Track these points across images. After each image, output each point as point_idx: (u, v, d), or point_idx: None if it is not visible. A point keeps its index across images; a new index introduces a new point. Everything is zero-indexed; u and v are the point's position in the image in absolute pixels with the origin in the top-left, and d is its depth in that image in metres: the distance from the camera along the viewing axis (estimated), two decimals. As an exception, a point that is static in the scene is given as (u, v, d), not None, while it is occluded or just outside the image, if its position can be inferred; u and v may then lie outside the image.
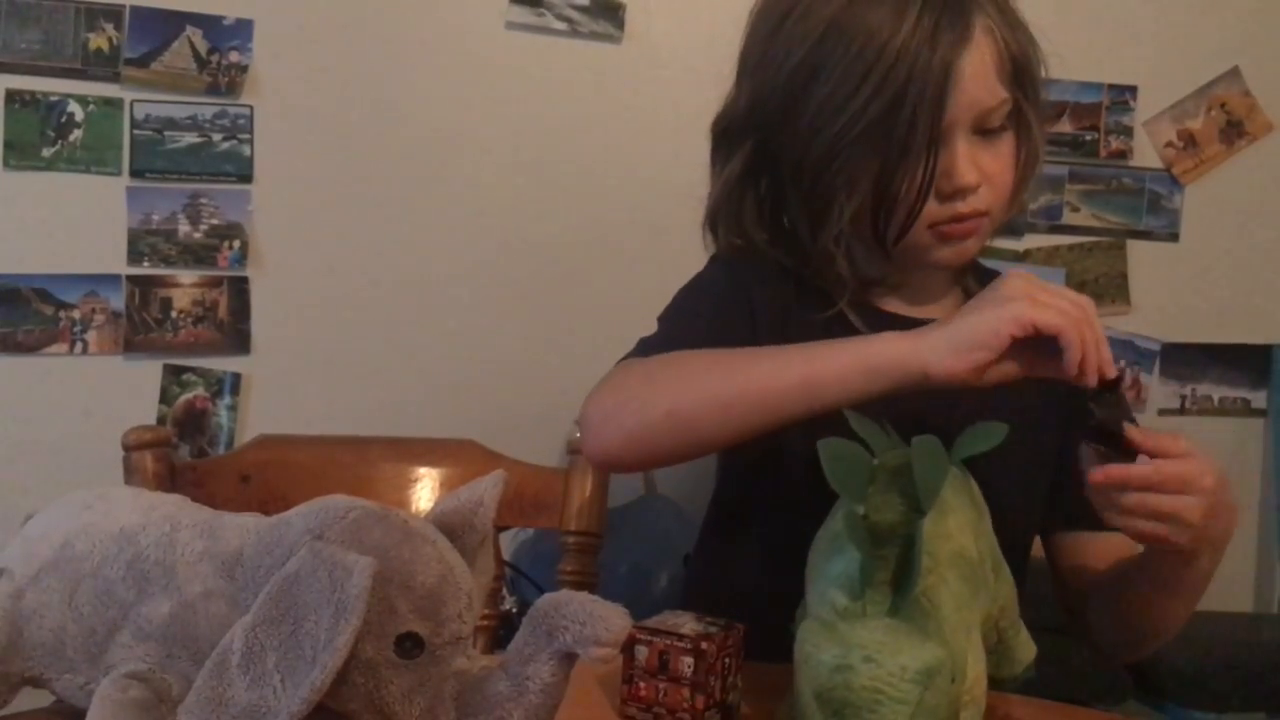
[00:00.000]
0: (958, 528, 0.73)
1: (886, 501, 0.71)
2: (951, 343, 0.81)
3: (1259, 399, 2.27)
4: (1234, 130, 2.21)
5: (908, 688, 0.63)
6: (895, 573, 0.69)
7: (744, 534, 1.10)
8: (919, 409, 0.87)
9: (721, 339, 0.95)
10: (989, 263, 1.18)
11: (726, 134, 1.05)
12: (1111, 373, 0.83)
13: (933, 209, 0.96)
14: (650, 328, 1.09)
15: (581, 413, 0.94)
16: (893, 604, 0.68)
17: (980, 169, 0.96)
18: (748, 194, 1.05)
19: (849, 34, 0.92)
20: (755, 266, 1.06)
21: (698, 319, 1.04)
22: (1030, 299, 0.81)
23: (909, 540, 0.68)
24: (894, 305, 1.07)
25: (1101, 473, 0.81)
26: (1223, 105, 2.21)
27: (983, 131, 0.96)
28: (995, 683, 0.79)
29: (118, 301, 1.89)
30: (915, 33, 0.90)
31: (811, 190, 0.98)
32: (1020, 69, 0.97)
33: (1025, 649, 0.83)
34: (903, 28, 0.90)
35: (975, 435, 0.75)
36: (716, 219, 1.08)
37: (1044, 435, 1.06)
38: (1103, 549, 1.06)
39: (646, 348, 1.01)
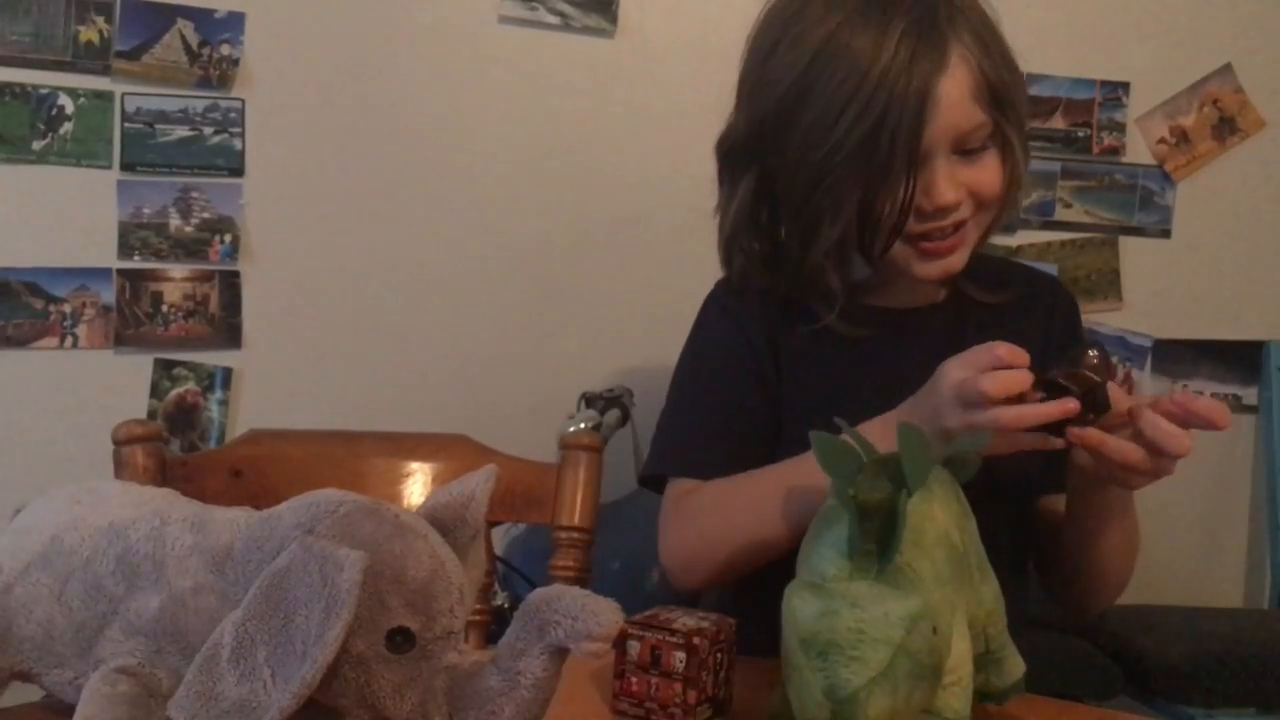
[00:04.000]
0: (943, 514, 0.75)
1: (875, 484, 0.73)
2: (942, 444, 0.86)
3: (1250, 395, 2.27)
4: (1226, 127, 2.22)
5: (890, 630, 0.65)
6: (881, 544, 0.71)
7: None
8: (887, 402, 0.94)
9: (734, 398, 1.07)
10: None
11: (730, 157, 1.09)
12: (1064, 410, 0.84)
13: (914, 225, 0.99)
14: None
15: (663, 551, 1.06)
16: (878, 570, 0.70)
17: (962, 184, 0.99)
18: (754, 218, 1.08)
19: (834, 62, 0.95)
20: (744, 299, 1.09)
21: (709, 396, 1.10)
22: (965, 429, 0.84)
23: (894, 517, 0.71)
24: (882, 299, 1.10)
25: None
26: (1215, 102, 2.21)
27: (963, 151, 0.99)
28: (984, 696, 0.80)
29: (108, 295, 1.88)
30: (894, 61, 0.93)
31: (802, 209, 1.01)
32: (998, 94, 0.99)
33: (1015, 664, 0.84)
34: (882, 56, 0.93)
35: (963, 438, 0.77)
36: (733, 245, 1.11)
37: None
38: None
39: (672, 446, 1.10)
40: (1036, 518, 1.11)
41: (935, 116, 0.95)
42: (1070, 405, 0.83)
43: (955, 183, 0.98)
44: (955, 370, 0.86)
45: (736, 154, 1.07)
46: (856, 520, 0.70)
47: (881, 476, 0.73)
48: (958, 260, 1.03)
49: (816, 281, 1.05)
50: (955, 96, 0.96)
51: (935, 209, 0.98)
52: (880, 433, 0.86)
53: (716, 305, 1.14)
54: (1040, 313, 1.13)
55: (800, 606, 0.67)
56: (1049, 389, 0.84)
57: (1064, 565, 1.06)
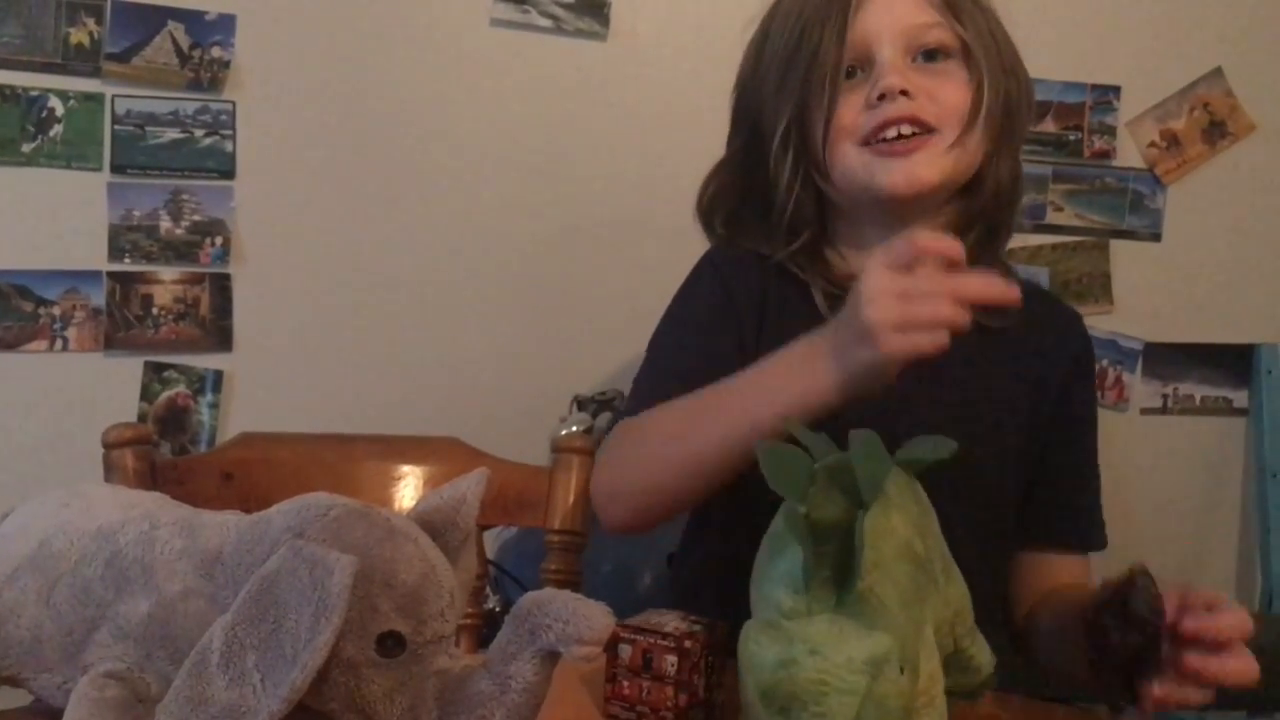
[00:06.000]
0: (902, 524, 0.72)
1: (828, 499, 0.69)
2: (860, 377, 0.84)
3: (1241, 398, 2.28)
4: (1216, 130, 2.22)
5: (855, 678, 0.62)
6: (838, 569, 0.67)
7: (727, 532, 1.11)
8: (877, 415, 0.90)
9: (711, 356, 1.02)
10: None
11: (732, 117, 1.13)
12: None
13: (862, 119, 1.00)
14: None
15: (591, 486, 1.05)
16: (838, 600, 0.67)
17: (914, 84, 0.99)
18: (739, 166, 1.12)
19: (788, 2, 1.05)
20: (735, 260, 1.08)
21: (684, 350, 1.07)
22: (893, 331, 0.80)
23: (851, 535, 0.67)
24: None
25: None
26: (1205, 105, 2.22)
27: (926, 56, 1.01)
28: (957, 693, 0.78)
29: (98, 298, 1.87)
30: None
31: (763, 130, 1.06)
32: (952, 4, 1.02)
33: (984, 659, 0.82)
34: None
35: (922, 445, 0.75)
36: (706, 190, 1.14)
37: (1012, 427, 1.07)
38: (1059, 568, 1.06)
39: (640, 394, 1.07)
40: (1020, 578, 1.08)
41: (870, 8, 0.99)
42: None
43: (904, 74, 0.99)
44: (876, 280, 0.81)
45: (734, 111, 1.12)
46: (810, 546, 0.66)
47: (834, 489, 0.69)
48: (924, 167, 1.00)
49: (793, 216, 1.06)
50: None
51: (880, 94, 0.98)
52: (802, 358, 0.86)
53: (710, 266, 1.13)
54: (1046, 347, 1.10)
55: (758, 653, 0.64)
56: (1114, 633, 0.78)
57: (1054, 647, 1.02)
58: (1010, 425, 1.06)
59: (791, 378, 0.87)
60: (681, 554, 1.22)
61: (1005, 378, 1.07)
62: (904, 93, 0.98)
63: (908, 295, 0.79)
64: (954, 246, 0.80)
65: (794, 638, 0.63)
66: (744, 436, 0.89)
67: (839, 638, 0.63)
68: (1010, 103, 1.04)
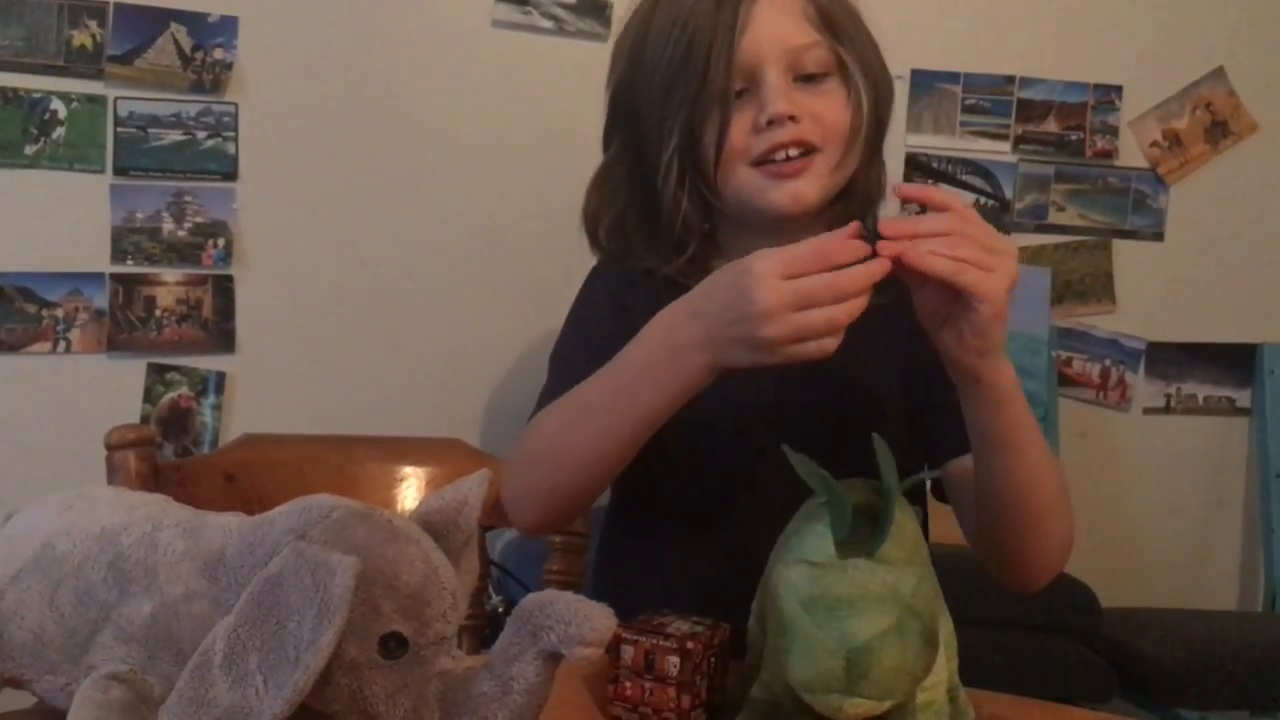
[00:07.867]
0: (913, 530, 0.75)
1: (852, 488, 0.73)
2: (739, 365, 0.86)
3: (1243, 398, 2.28)
4: (1219, 130, 2.23)
5: (898, 588, 0.65)
6: (864, 539, 0.70)
7: (642, 543, 1.12)
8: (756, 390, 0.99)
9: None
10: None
11: (609, 118, 1.16)
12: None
13: (752, 141, 1.03)
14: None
15: (500, 491, 1.03)
16: (866, 555, 0.69)
17: (798, 105, 1.02)
18: (619, 176, 1.14)
19: (663, 6, 1.06)
20: (624, 276, 1.11)
21: (589, 365, 1.05)
22: (789, 345, 0.82)
23: (874, 517, 0.70)
24: None
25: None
26: (1207, 105, 2.22)
27: (805, 78, 1.03)
28: None
29: (101, 300, 1.88)
30: None
31: (647, 138, 1.08)
32: (828, 16, 1.04)
33: (966, 708, 0.81)
34: None
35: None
36: (589, 204, 1.16)
37: (891, 384, 1.08)
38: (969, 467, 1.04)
39: (542, 405, 1.08)
40: (951, 487, 1.07)
41: (755, 32, 1.01)
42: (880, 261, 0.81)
43: (790, 98, 1.02)
44: (770, 294, 0.81)
45: (609, 123, 1.15)
46: (849, 513, 0.69)
47: (854, 487, 0.73)
48: (808, 188, 1.04)
49: (675, 220, 1.07)
50: (778, 14, 1.02)
51: (769, 120, 1.01)
52: (672, 349, 0.88)
53: (600, 281, 1.16)
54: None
55: (799, 576, 0.66)
56: None
57: (991, 519, 0.98)
58: (889, 391, 1.08)
59: (667, 369, 0.90)
60: (606, 557, 1.21)
61: (878, 347, 1.06)
62: (791, 118, 1.02)
63: (803, 304, 0.81)
64: (848, 238, 0.83)
65: (834, 565, 0.67)
66: (633, 432, 0.94)
67: (876, 568, 0.67)
68: (880, 112, 1.08)
